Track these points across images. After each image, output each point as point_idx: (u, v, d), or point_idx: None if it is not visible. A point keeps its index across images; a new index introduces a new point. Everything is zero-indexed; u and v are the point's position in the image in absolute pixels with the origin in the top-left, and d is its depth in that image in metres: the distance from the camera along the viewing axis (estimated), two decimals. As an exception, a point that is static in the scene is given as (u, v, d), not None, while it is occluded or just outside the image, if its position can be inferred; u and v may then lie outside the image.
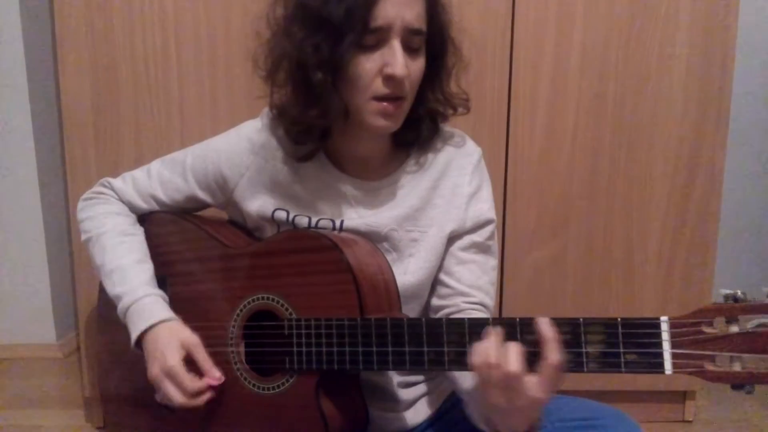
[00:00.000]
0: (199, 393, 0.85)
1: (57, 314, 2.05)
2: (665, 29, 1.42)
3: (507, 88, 1.44)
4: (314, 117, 0.84)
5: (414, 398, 0.98)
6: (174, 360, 0.84)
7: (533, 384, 0.66)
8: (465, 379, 0.83)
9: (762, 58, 2.06)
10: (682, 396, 1.61)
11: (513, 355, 0.67)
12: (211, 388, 0.86)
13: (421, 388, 0.99)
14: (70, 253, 1.52)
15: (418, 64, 0.84)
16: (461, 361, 0.74)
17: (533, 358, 0.68)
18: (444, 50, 0.89)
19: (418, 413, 0.98)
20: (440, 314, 0.93)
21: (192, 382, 0.84)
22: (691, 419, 1.62)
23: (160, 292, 0.92)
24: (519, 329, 0.71)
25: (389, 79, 0.81)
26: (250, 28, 1.42)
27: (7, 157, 1.95)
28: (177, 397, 0.84)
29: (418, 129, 0.92)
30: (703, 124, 1.45)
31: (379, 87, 0.82)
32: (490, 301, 0.94)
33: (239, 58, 1.43)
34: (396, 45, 0.80)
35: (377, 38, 0.80)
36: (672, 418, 1.63)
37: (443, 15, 0.87)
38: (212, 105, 1.44)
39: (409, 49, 0.82)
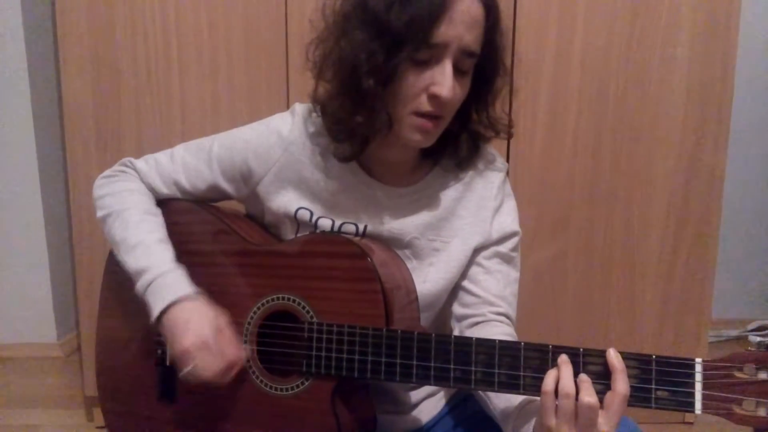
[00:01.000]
0: (232, 365, 0.84)
1: (58, 314, 2.06)
2: (667, 30, 1.42)
3: (508, 89, 1.43)
4: (359, 124, 0.83)
5: (419, 399, 0.98)
6: (210, 330, 0.83)
7: (601, 417, 0.67)
8: (500, 401, 0.83)
9: (763, 59, 2.06)
10: (683, 397, 1.61)
11: (589, 386, 0.67)
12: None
13: (427, 390, 0.99)
14: (71, 253, 1.53)
15: (463, 87, 0.83)
16: (489, 381, 0.74)
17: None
18: (494, 74, 0.88)
19: (424, 414, 0.98)
20: (465, 323, 0.92)
21: (230, 349, 0.83)
22: (692, 421, 1.62)
23: (184, 270, 0.90)
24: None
25: (434, 98, 0.79)
26: (251, 28, 1.44)
27: (8, 156, 1.96)
28: (214, 365, 0.82)
29: (455, 145, 0.92)
30: (704, 125, 1.45)
31: (422, 103, 0.80)
32: (514, 313, 0.94)
33: (240, 58, 1.43)
34: (447, 65, 0.78)
35: (431, 54, 0.78)
36: (673, 420, 1.62)
37: (499, 40, 0.86)
38: (213, 105, 1.45)
39: (459, 71, 0.81)
